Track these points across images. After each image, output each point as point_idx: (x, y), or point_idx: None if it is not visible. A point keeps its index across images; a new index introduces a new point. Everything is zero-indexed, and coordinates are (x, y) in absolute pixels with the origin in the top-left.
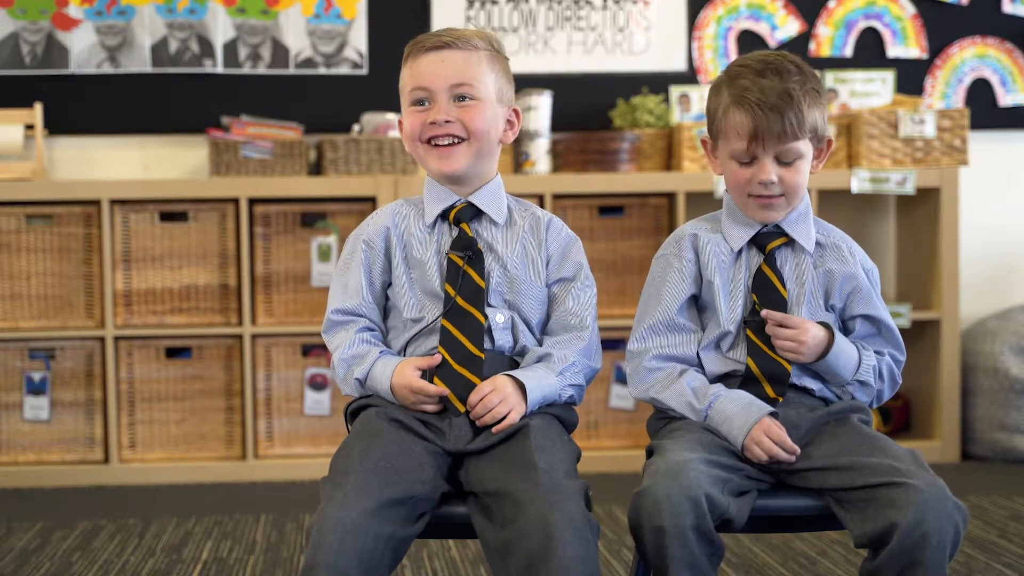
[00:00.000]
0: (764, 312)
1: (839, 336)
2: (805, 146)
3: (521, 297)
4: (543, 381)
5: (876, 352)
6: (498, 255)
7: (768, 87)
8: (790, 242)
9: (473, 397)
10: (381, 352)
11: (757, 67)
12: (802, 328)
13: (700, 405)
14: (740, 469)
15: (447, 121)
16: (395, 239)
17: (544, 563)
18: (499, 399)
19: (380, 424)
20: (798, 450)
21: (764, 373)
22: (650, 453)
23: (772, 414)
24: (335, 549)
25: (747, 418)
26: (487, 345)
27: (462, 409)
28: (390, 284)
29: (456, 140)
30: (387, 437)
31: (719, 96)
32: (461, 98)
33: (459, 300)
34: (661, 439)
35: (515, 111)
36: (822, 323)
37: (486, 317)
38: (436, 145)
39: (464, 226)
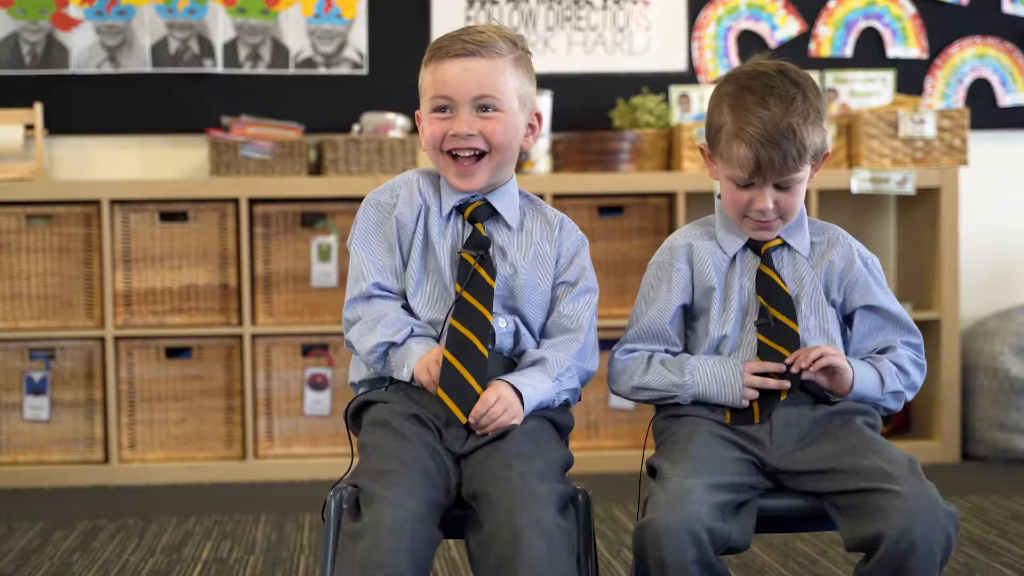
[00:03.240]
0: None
1: (852, 360)
2: (804, 171)
3: (523, 303)
4: (540, 387)
5: (888, 349)
6: (509, 260)
7: (771, 120)
8: (785, 243)
9: (479, 408)
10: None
11: (760, 91)
12: (820, 347)
13: (681, 379)
14: (743, 483)
15: (469, 135)
16: (421, 222)
17: (510, 565)
18: (503, 409)
19: (402, 423)
20: (784, 377)
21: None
22: (651, 470)
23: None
24: (395, 549)
25: (731, 370)
26: (487, 346)
27: (463, 420)
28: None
29: (477, 154)
30: (415, 437)
31: (720, 114)
32: (484, 108)
33: (466, 295)
34: (662, 457)
35: (537, 115)
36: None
37: (493, 315)
38: (456, 157)
39: (479, 226)
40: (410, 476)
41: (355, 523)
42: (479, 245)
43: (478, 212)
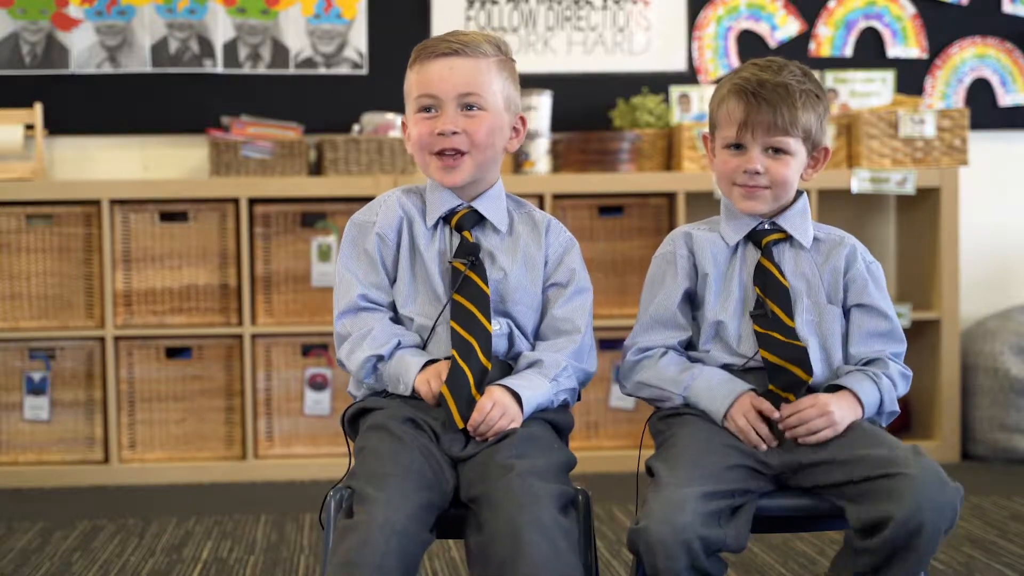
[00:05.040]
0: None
1: (856, 387)
2: (796, 144)
3: (514, 305)
4: (538, 389)
5: (877, 361)
6: (498, 264)
7: (766, 80)
8: (787, 238)
9: (476, 416)
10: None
11: (762, 64)
12: (817, 402)
13: (679, 377)
14: (739, 489)
15: (454, 132)
16: (404, 234)
17: (512, 565)
18: (500, 413)
19: (399, 427)
20: (774, 443)
21: (785, 359)
22: (650, 471)
23: (752, 390)
24: (383, 550)
25: (731, 390)
26: (487, 354)
27: (461, 425)
28: (394, 279)
29: (461, 152)
30: (411, 440)
31: (720, 90)
32: (468, 107)
33: (463, 300)
34: (660, 460)
35: (521, 118)
36: (831, 386)
37: (490, 323)
38: (441, 156)
39: (466, 233)
40: (404, 479)
41: (346, 521)
42: (469, 252)
43: (464, 220)
